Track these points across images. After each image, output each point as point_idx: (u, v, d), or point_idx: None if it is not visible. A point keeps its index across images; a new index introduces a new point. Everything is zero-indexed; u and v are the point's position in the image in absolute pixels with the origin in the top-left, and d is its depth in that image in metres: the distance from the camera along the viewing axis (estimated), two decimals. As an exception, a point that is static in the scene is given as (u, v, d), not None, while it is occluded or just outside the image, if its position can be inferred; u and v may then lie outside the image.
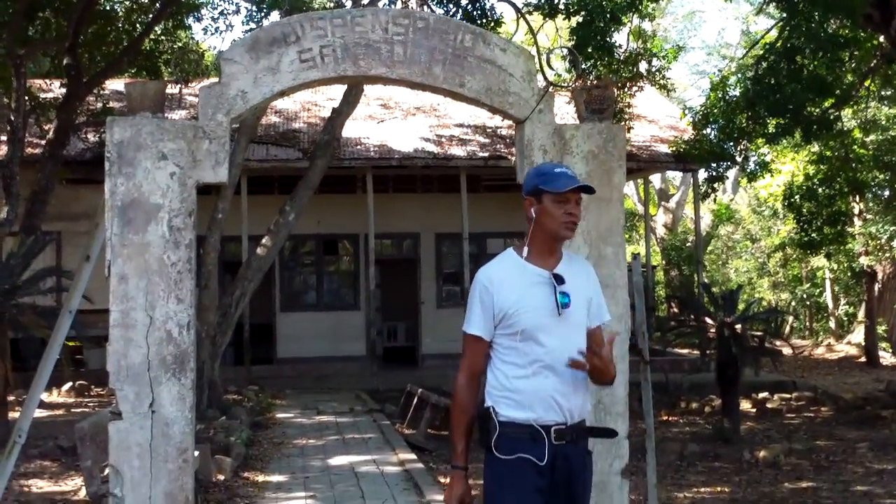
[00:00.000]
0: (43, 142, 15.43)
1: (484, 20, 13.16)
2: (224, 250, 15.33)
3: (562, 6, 12.98)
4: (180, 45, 17.55)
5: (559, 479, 3.29)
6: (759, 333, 12.01)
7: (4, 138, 14.94)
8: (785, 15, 13.85)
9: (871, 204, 22.03)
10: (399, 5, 14.32)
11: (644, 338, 6.06)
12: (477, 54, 4.63)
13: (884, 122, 19.02)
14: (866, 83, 16.36)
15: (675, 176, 31.17)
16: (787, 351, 13.37)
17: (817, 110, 14.04)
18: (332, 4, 15.33)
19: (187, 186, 4.38)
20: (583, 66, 12.53)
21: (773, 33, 15.51)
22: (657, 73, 17.60)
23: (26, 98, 14.26)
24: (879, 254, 21.25)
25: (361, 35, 4.53)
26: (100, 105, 16.64)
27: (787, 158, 21.48)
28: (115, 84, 17.82)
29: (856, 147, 17.93)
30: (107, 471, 5.32)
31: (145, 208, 4.34)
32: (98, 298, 6.87)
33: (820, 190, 17.11)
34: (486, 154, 17.96)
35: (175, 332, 4.31)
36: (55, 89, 17.41)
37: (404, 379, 14.17)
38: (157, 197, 4.35)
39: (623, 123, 14.84)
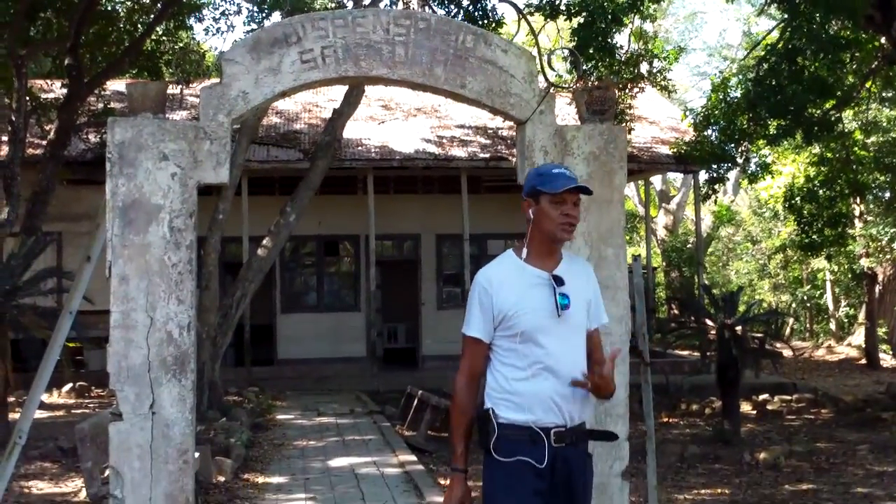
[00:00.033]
0: (44, 142, 15.44)
1: (485, 21, 13.16)
2: (225, 251, 15.34)
3: (563, 7, 12.99)
4: (181, 45, 17.55)
5: (559, 481, 3.27)
6: (759, 335, 12.00)
7: (5, 139, 14.95)
8: (786, 16, 13.85)
9: (871, 206, 22.04)
10: (400, 6, 14.32)
11: (644, 339, 6.05)
12: (478, 55, 4.63)
13: (885, 124, 19.04)
14: (867, 85, 16.36)
15: (675, 177, 31.17)
16: (787, 353, 13.34)
17: (818, 112, 14.04)
18: (333, 5, 15.34)
19: (188, 187, 4.38)
20: (584, 68, 12.54)
21: (775, 34, 15.54)
22: (658, 75, 17.62)
23: (27, 98, 14.27)
24: (880, 255, 21.26)
25: (363, 36, 4.53)
26: (101, 105, 16.65)
27: (787, 160, 21.48)
28: (117, 84, 17.83)
29: (857, 149, 17.93)
30: (107, 472, 5.32)
31: (146, 209, 4.34)
32: (99, 299, 6.87)
33: (821, 191, 17.11)
34: (487, 155, 17.96)
35: (175, 333, 4.31)
36: (56, 90, 17.42)
37: (405, 380, 14.16)
38: (158, 198, 4.35)
39: (624, 125, 14.85)
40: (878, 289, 22.07)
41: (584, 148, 4.70)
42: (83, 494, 7.55)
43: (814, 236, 17.16)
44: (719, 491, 8.55)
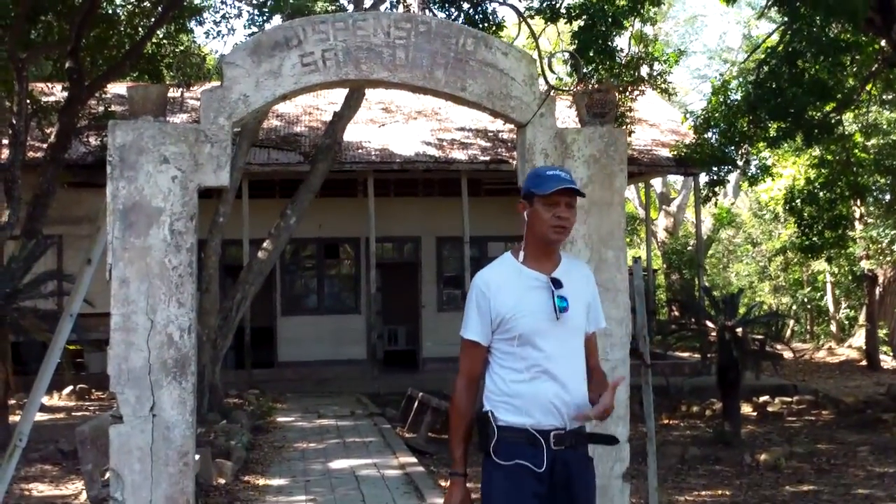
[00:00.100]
0: (44, 145, 15.45)
1: (486, 24, 13.18)
2: (225, 254, 15.34)
3: (563, 10, 12.99)
4: (182, 48, 17.57)
5: (558, 484, 3.26)
6: (759, 337, 12.00)
7: (6, 142, 14.97)
8: (786, 19, 13.86)
9: (871, 208, 22.06)
10: (401, 9, 14.33)
11: (645, 341, 6.05)
12: (478, 58, 4.63)
13: (885, 126, 19.05)
14: (867, 87, 16.37)
15: (676, 180, 31.17)
16: (787, 354, 13.33)
17: (818, 114, 14.05)
18: (333, 8, 15.34)
19: (189, 190, 4.39)
20: (584, 70, 12.55)
21: (775, 37, 15.55)
22: (659, 77, 17.63)
23: (28, 101, 14.28)
24: (880, 257, 21.26)
25: (363, 39, 4.54)
26: (101, 109, 16.67)
27: (788, 162, 21.49)
28: (117, 88, 17.84)
29: (857, 151, 17.93)
30: (107, 474, 5.32)
31: (147, 212, 4.34)
32: (99, 302, 6.87)
33: (821, 194, 17.11)
34: (488, 158, 17.97)
35: (176, 335, 4.31)
36: (57, 93, 17.44)
37: (405, 382, 14.16)
38: (159, 200, 4.36)
39: (624, 127, 14.85)
40: (878, 291, 22.08)
41: (584, 151, 4.71)
42: (84, 497, 7.55)
43: (814, 238, 17.16)
44: (720, 492, 8.54)
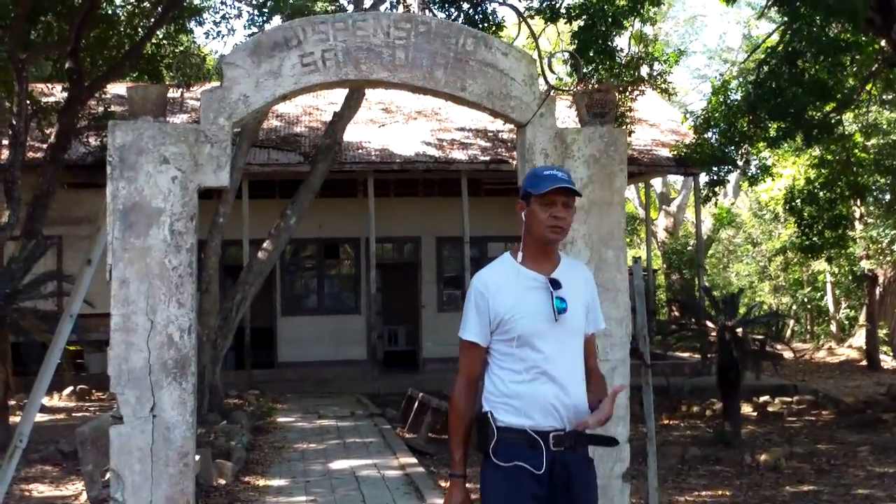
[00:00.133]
0: (44, 146, 15.45)
1: (485, 24, 13.17)
2: (225, 254, 15.34)
3: (563, 10, 12.99)
4: (182, 49, 17.56)
5: (558, 486, 3.24)
6: (760, 337, 12.00)
7: (6, 142, 14.97)
8: (786, 19, 13.86)
9: (872, 208, 22.06)
10: (401, 10, 14.33)
11: (645, 341, 6.05)
12: (478, 58, 4.63)
13: (885, 126, 19.05)
14: (867, 87, 16.37)
15: (676, 180, 31.17)
16: (788, 354, 13.33)
17: (818, 114, 14.04)
18: (333, 9, 15.35)
19: (189, 190, 4.39)
20: (584, 70, 12.55)
21: (775, 37, 15.54)
22: (658, 77, 17.63)
23: (28, 102, 14.28)
24: (880, 257, 21.26)
25: (363, 39, 4.54)
26: (101, 109, 16.67)
27: (788, 162, 21.49)
28: (117, 88, 17.84)
29: (857, 151, 17.94)
30: (108, 475, 5.32)
31: (147, 212, 4.34)
32: (99, 302, 6.87)
33: (821, 194, 17.11)
34: (488, 158, 17.97)
35: (176, 336, 4.31)
36: (57, 93, 17.44)
37: (405, 383, 14.16)
38: (159, 201, 4.36)
39: (624, 127, 14.85)
40: (878, 290, 22.08)
41: (584, 150, 4.71)
42: (84, 497, 7.55)
43: (814, 238, 17.16)
44: (720, 492, 8.54)
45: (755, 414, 13.66)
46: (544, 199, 3.31)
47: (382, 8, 14.18)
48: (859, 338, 23.23)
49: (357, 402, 14.52)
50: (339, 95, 16.18)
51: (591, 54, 12.41)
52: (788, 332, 25.45)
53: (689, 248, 27.95)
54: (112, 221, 4.34)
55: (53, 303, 12.29)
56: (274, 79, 4.48)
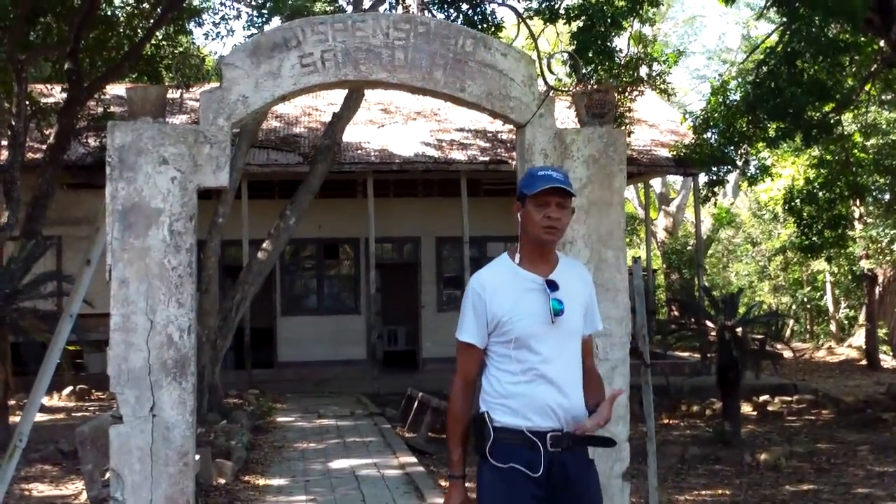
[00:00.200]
0: (44, 146, 15.46)
1: (485, 25, 13.17)
2: (225, 254, 15.35)
3: (562, 11, 12.99)
4: (181, 50, 17.56)
5: (557, 487, 3.23)
6: (759, 337, 12.00)
7: (5, 143, 14.96)
8: (785, 19, 13.86)
9: (871, 207, 22.06)
10: (400, 10, 14.33)
11: (645, 341, 6.06)
12: (478, 59, 4.64)
13: (884, 126, 19.05)
14: (867, 87, 16.37)
15: (675, 180, 31.18)
16: (787, 354, 13.33)
17: (818, 114, 14.05)
18: (332, 9, 15.35)
19: (188, 191, 4.39)
20: (583, 71, 12.55)
21: (774, 38, 15.55)
22: (658, 78, 17.64)
23: (27, 103, 14.28)
24: (880, 257, 21.26)
25: (362, 40, 4.54)
26: (101, 110, 16.67)
27: (787, 162, 21.50)
28: (116, 89, 17.84)
29: (856, 151, 17.95)
30: (107, 475, 5.33)
31: (146, 213, 4.35)
32: (99, 302, 6.88)
33: (820, 194, 17.12)
34: (487, 158, 17.97)
35: (176, 336, 4.31)
36: (56, 94, 17.44)
37: (405, 382, 14.17)
38: (158, 201, 4.36)
39: (624, 127, 14.86)
40: (878, 290, 22.08)
41: (583, 151, 4.71)
42: (84, 497, 7.56)
43: (814, 238, 17.17)
44: (720, 492, 8.55)
45: (755, 413, 13.67)
46: (538, 200, 3.30)
47: (382, 9, 14.19)
48: (859, 337, 23.24)
49: (357, 401, 14.52)
50: (338, 96, 16.19)
51: (591, 55, 12.41)
52: (788, 332, 25.46)
53: (689, 247, 27.95)
54: (111, 222, 4.34)
55: (53, 303, 12.29)
56: (273, 79, 4.49)
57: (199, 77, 18.09)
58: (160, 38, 16.61)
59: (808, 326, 28.49)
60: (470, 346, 3.37)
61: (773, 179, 21.30)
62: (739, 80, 16.97)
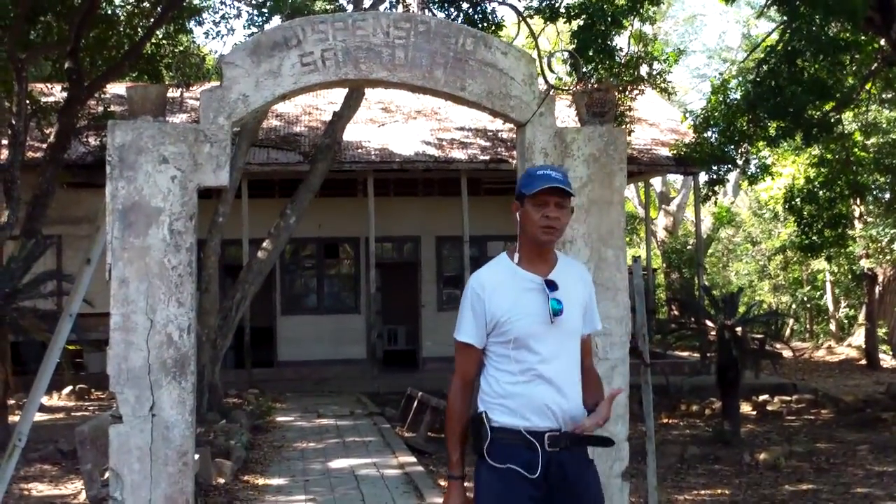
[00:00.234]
0: (44, 145, 15.46)
1: (485, 24, 13.16)
2: (225, 254, 15.34)
3: (563, 10, 12.99)
4: (182, 49, 17.56)
5: (555, 487, 3.22)
6: (759, 336, 12.00)
7: (6, 142, 14.96)
8: (786, 18, 13.85)
9: (871, 207, 22.05)
10: (400, 9, 14.33)
11: (644, 340, 6.06)
12: (478, 58, 4.63)
13: (884, 125, 19.05)
14: (867, 86, 16.37)
15: (675, 179, 31.17)
16: (787, 353, 13.33)
17: (818, 113, 14.04)
18: (333, 8, 15.34)
19: (188, 190, 4.39)
20: (584, 70, 12.54)
21: (774, 36, 15.55)
22: (658, 77, 17.64)
23: (27, 102, 14.27)
24: (880, 256, 21.26)
25: (363, 39, 4.54)
26: (101, 109, 16.67)
27: (787, 161, 21.49)
28: (117, 88, 17.84)
29: (856, 150, 17.94)
30: (107, 474, 5.32)
31: (146, 212, 4.34)
32: (98, 302, 6.88)
33: (820, 193, 17.11)
34: (487, 157, 17.97)
35: (175, 335, 4.31)
36: (56, 93, 17.44)
37: (405, 382, 14.17)
38: (158, 200, 4.36)
39: (624, 126, 14.84)
40: (877, 290, 22.07)
41: (584, 150, 4.71)
42: (83, 497, 7.56)
43: (814, 237, 17.16)
44: (719, 491, 8.55)
45: (754, 413, 13.67)
46: (537, 200, 3.29)
47: (382, 7, 14.19)
48: (859, 337, 23.23)
49: (356, 401, 14.53)
50: (338, 95, 16.18)
51: (591, 54, 12.41)
52: (788, 331, 25.45)
53: (689, 247, 27.95)
54: (111, 221, 4.34)
55: (53, 302, 12.29)
56: (273, 78, 4.48)
57: (199, 76, 18.09)
58: (160, 37, 16.61)
59: (808, 326, 28.49)
60: (468, 346, 3.36)
61: (773, 178, 21.30)
62: (740, 78, 16.96)
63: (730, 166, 16.50)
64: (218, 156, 4.42)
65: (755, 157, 18.24)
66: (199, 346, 6.50)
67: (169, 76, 17.32)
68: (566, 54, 12.34)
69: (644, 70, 16.74)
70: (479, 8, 13.39)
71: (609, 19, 12.21)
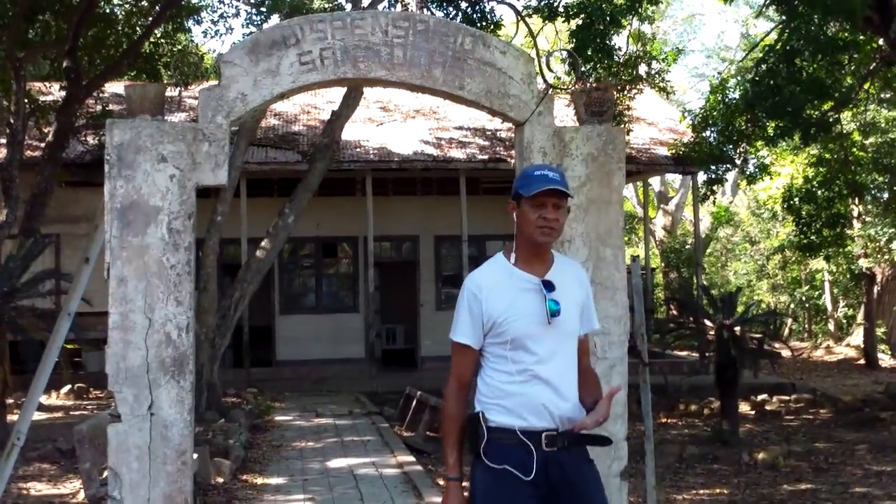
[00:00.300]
0: (42, 144, 15.44)
1: (484, 23, 13.17)
2: (223, 253, 15.34)
3: (561, 9, 12.99)
4: (180, 47, 17.56)
5: (555, 486, 3.22)
6: (758, 335, 12.00)
7: (4, 141, 14.95)
8: (784, 17, 13.85)
9: (870, 206, 22.06)
10: (399, 8, 14.33)
11: (643, 340, 6.06)
12: (476, 57, 4.63)
13: (883, 125, 19.05)
14: (865, 86, 16.37)
15: (674, 178, 31.19)
16: (786, 353, 13.36)
17: (816, 113, 14.04)
18: (331, 7, 15.34)
19: (187, 189, 4.39)
20: (582, 69, 12.54)
21: (773, 36, 15.54)
22: (657, 76, 17.64)
23: (26, 101, 14.27)
24: (878, 256, 21.27)
25: (361, 38, 4.53)
26: (99, 108, 16.66)
27: (786, 161, 21.49)
28: (115, 87, 17.83)
29: (855, 149, 17.95)
30: (105, 473, 5.32)
31: (145, 211, 4.34)
32: (97, 301, 6.88)
33: (819, 192, 17.12)
34: (486, 156, 17.97)
35: (174, 334, 4.31)
36: (55, 92, 17.43)
37: (403, 381, 14.16)
38: (157, 199, 4.36)
39: (622, 126, 14.85)
40: (876, 289, 22.08)
41: (582, 149, 4.71)
42: (81, 496, 7.56)
43: (812, 237, 17.17)
44: (718, 491, 8.55)
45: (753, 412, 13.67)
46: (534, 201, 3.28)
47: (380, 6, 14.19)
48: (857, 336, 23.24)
49: (355, 400, 14.52)
50: (337, 94, 16.17)
51: (590, 53, 12.41)
52: (786, 331, 25.48)
53: (688, 246, 27.96)
54: (110, 220, 4.33)
55: (51, 301, 12.29)
56: (272, 77, 4.48)
57: (197, 75, 18.08)
58: (159, 35, 16.60)
59: (807, 325, 28.51)
60: (465, 346, 3.35)
61: (771, 178, 21.29)
62: (738, 78, 16.96)
63: (728, 166, 16.51)
64: (216, 155, 4.42)
65: (754, 156, 18.23)
66: (197, 345, 6.50)
67: (167, 75, 17.31)
68: (565, 53, 12.34)
69: (643, 69, 16.74)
70: (477, 7, 13.39)
71: (608, 18, 12.21)
